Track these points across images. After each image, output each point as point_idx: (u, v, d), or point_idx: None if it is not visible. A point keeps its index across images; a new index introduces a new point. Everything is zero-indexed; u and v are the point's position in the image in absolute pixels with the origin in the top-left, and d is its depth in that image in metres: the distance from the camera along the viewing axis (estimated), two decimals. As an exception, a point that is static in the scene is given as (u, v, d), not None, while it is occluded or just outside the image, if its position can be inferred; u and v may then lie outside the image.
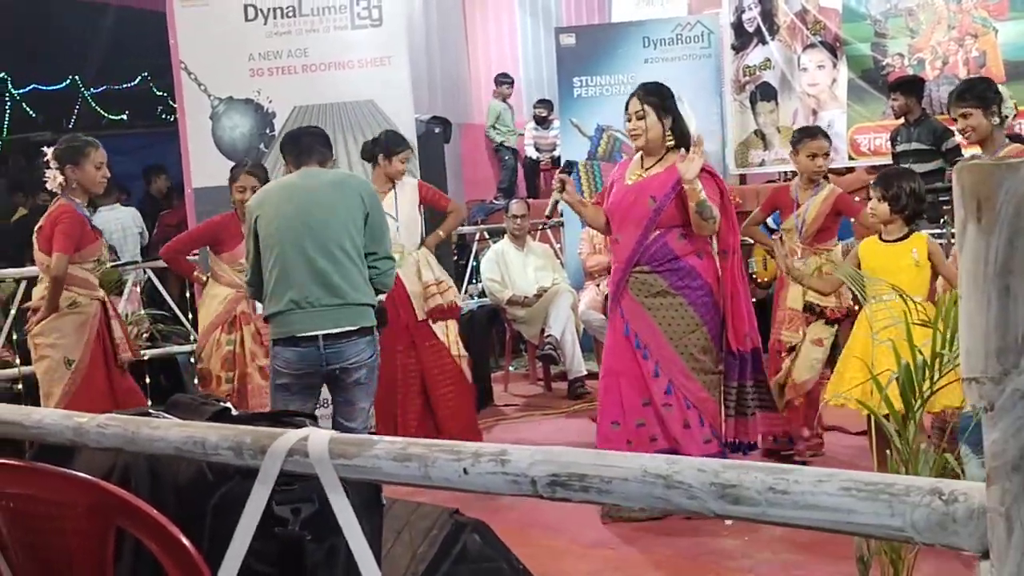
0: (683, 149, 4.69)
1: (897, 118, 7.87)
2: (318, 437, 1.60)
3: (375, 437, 1.56)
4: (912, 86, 7.86)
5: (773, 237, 5.91)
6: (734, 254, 4.77)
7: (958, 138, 7.25)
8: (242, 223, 5.38)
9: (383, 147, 5.97)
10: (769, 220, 7.83)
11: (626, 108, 4.78)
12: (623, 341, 4.77)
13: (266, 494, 1.67)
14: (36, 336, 5.19)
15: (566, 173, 4.89)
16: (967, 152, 7.15)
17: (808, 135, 5.68)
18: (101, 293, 5.27)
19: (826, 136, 5.73)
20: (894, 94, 7.86)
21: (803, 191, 5.55)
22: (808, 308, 5.33)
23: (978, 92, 4.97)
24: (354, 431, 4.27)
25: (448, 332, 6.03)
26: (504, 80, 12.27)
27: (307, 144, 4.59)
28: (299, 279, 4.27)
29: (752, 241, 8.15)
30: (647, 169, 4.77)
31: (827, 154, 5.58)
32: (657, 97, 4.72)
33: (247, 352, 5.68)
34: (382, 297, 4.73)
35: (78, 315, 5.13)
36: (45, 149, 5.22)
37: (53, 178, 5.11)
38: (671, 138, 4.72)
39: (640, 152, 4.84)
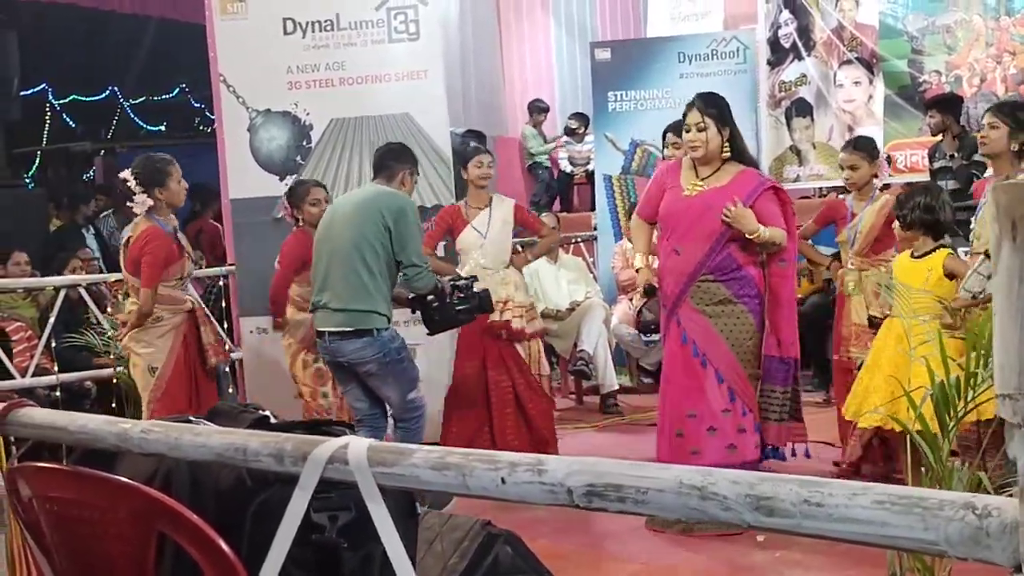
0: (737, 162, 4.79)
1: (934, 135, 7.82)
2: (357, 445, 1.63)
3: (413, 446, 1.58)
4: (948, 103, 7.82)
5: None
6: (791, 263, 4.86)
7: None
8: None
9: (460, 159, 6.10)
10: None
11: (684, 118, 4.83)
12: (679, 350, 4.81)
13: (306, 500, 1.70)
14: (127, 345, 5.36)
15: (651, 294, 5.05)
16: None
17: (843, 147, 5.72)
18: (188, 304, 5.34)
19: (859, 148, 5.64)
20: (930, 111, 7.82)
21: (857, 202, 5.52)
22: (872, 323, 5.30)
23: (1019, 117, 4.93)
24: (402, 417, 4.98)
25: (531, 350, 6.00)
26: (540, 107, 12.26)
27: (378, 162, 5.17)
28: (321, 283, 4.96)
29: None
30: (704, 179, 4.79)
31: (853, 167, 5.51)
32: (717, 109, 4.77)
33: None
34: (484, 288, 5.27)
35: (161, 327, 5.25)
36: (126, 175, 5.25)
37: (142, 203, 5.19)
38: (727, 150, 4.77)
39: (692, 161, 4.85)
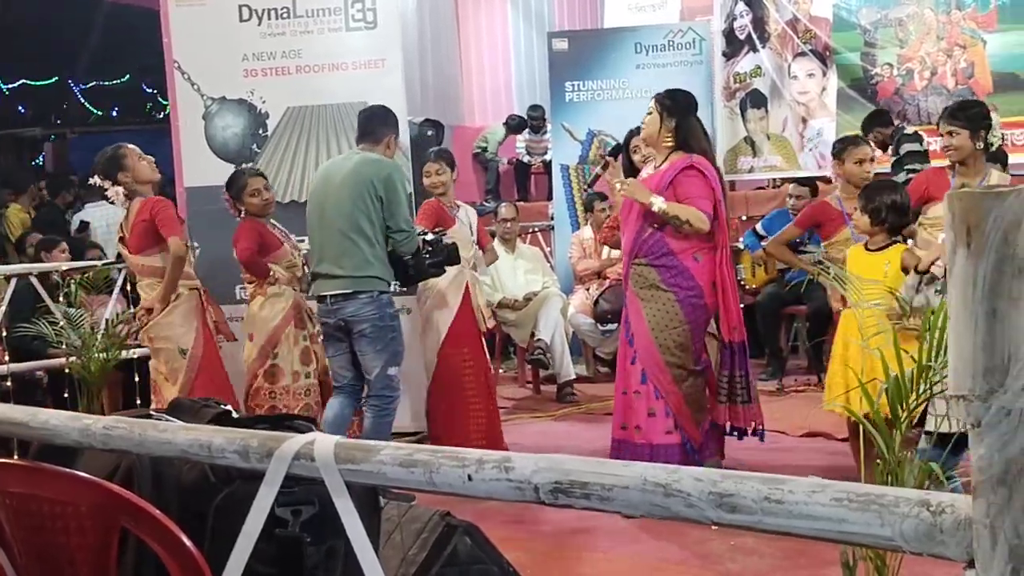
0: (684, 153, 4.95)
1: (885, 150, 7.97)
2: (324, 442, 1.64)
3: (381, 443, 1.60)
4: (872, 120, 8.06)
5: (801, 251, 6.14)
6: (722, 250, 4.97)
7: (911, 146, 7.37)
8: (268, 227, 5.69)
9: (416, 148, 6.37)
10: (759, 228, 7.92)
11: None
12: (623, 330, 5.11)
13: (271, 496, 1.71)
14: (149, 334, 5.44)
15: (612, 156, 5.35)
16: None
17: (852, 143, 5.84)
18: (197, 282, 5.52)
19: (868, 143, 5.97)
20: (866, 139, 8.00)
21: (848, 200, 5.46)
22: None
23: (970, 115, 5.08)
24: (378, 393, 5.10)
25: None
26: (519, 125, 12.01)
27: (364, 126, 5.30)
28: (319, 254, 5.16)
29: (741, 247, 8.22)
30: (656, 170, 5.04)
31: (873, 159, 5.79)
32: (671, 101, 5.01)
33: (321, 347, 5.63)
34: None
35: (184, 305, 5.37)
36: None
37: (116, 194, 5.38)
38: (669, 140, 4.97)
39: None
